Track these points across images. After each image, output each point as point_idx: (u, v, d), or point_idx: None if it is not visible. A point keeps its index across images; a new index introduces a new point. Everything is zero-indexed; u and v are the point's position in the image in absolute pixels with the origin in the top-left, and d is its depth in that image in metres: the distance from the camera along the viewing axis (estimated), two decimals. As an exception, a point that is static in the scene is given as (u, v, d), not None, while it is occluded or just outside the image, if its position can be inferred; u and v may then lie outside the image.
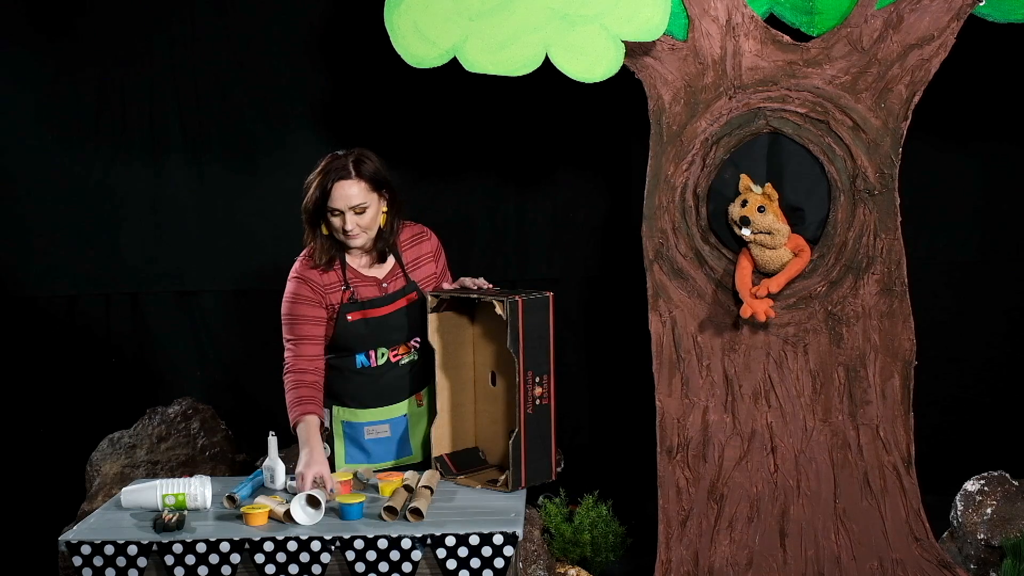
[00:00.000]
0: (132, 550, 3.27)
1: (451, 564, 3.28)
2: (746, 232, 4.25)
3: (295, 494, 3.49)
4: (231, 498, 3.51)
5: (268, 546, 3.27)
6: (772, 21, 4.36)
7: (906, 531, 4.37)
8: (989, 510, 4.57)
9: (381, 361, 3.88)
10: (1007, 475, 4.67)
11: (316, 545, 3.27)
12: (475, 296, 3.72)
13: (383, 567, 3.28)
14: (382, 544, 3.28)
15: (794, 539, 4.40)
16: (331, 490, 3.56)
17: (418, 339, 3.89)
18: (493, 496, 3.62)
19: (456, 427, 3.87)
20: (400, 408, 3.93)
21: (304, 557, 3.27)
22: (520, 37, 4.18)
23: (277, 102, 5.13)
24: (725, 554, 4.41)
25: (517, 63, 4.20)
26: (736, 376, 4.38)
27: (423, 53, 4.22)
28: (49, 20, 5.07)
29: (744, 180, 4.27)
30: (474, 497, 3.61)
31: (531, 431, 3.66)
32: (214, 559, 3.27)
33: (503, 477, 3.68)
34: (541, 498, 4.84)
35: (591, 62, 4.20)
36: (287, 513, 3.36)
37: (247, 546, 3.28)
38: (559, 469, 4.69)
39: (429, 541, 3.28)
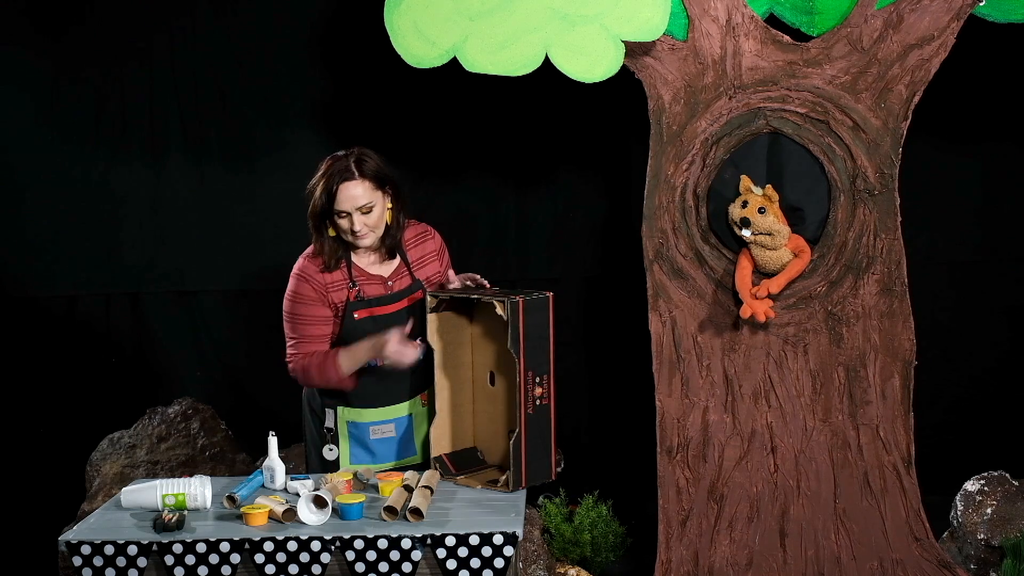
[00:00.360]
0: (132, 550, 3.27)
1: (451, 564, 3.28)
2: (746, 233, 4.25)
3: (314, 483, 3.49)
4: (231, 498, 3.51)
5: (268, 546, 3.27)
6: (772, 21, 4.36)
7: (906, 531, 4.37)
8: (989, 510, 4.57)
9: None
10: (1007, 475, 4.67)
11: (316, 545, 3.27)
12: (475, 296, 3.72)
13: (383, 567, 3.28)
14: (382, 544, 3.28)
15: (794, 539, 4.40)
16: (422, 344, 3.73)
17: (423, 339, 3.89)
18: (493, 496, 3.62)
19: (455, 427, 3.87)
20: (405, 408, 3.93)
21: (304, 557, 3.27)
22: (520, 37, 4.18)
23: (277, 102, 5.13)
24: (725, 554, 4.41)
25: (517, 63, 4.20)
26: (736, 376, 4.38)
27: (423, 53, 4.22)
28: (49, 20, 5.07)
29: (745, 181, 4.27)
30: (474, 497, 3.61)
31: (531, 431, 3.66)
32: (214, 559, 3.27)
33: (503, 477, 3.68)
34: (541, 498, 4.84)
35: (591, 62, 4.20)
36: (287, 513, 3.36)
37: (247, 546, 3.27)
38: (559, 469, 4.69)
39: (429, 541, 3.28)
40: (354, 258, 3.87)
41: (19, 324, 5.21)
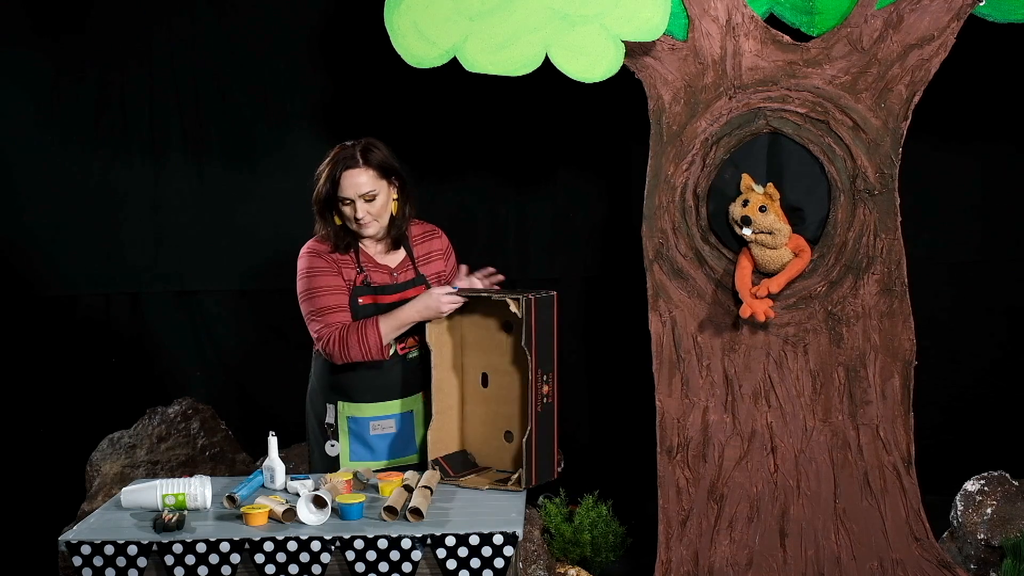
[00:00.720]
0: (132, 550, 3.26)
1: (451, 564, 3.28)
2: (747, 232, 4.25)
3: (313, 484, 3.49)
4: (231, 498, 3.51)
5: (268, 546, 3.27)
6: (772, 21, 4.36)
7: (906, 531, 4.37)
8: (989, 510, 4.57)
9: (390, 353, 3.88)
10: (1007, 475, 4.67)
11: (316, 545, 3.27)
12: (487, 294, 3.73)
13: (383, 567, 3.28)
14: (382, 544, 3.28)
15: (794, 539, 4.40)
16: (454, 288, 3.75)
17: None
18: (493, 496, 3.62)
19: (450, 429, 3.87)
20: (406, 403, 3.93)
21: (304, 557, 3.27)
22: (520, 37, 4.18)
23: (277, 102, 5.13)
24: (725, 554, 4.41)
25: (517, 63, 4.20)
26: (736, 376, 4.38)
27: (423, 53, 4.22)
28: (49, 20, 5.07)
29: (746, 180, 4.27)
30: (474, 497, 3.61)
31: (540, 429, 3.66)
32: (214, 559, 3.27)
33: (515, 475, 3.68)
34: (541, 498, 4.84)
35: (591, 62, 4.20)
36: (287, 513, 3.36)
37: (247, 546, 3.27)
38: (559, 468, 4.69)
39: (429, 541, 3.28)
40: (362, 247, 3.90)
41: (19, 324, 5.21)
